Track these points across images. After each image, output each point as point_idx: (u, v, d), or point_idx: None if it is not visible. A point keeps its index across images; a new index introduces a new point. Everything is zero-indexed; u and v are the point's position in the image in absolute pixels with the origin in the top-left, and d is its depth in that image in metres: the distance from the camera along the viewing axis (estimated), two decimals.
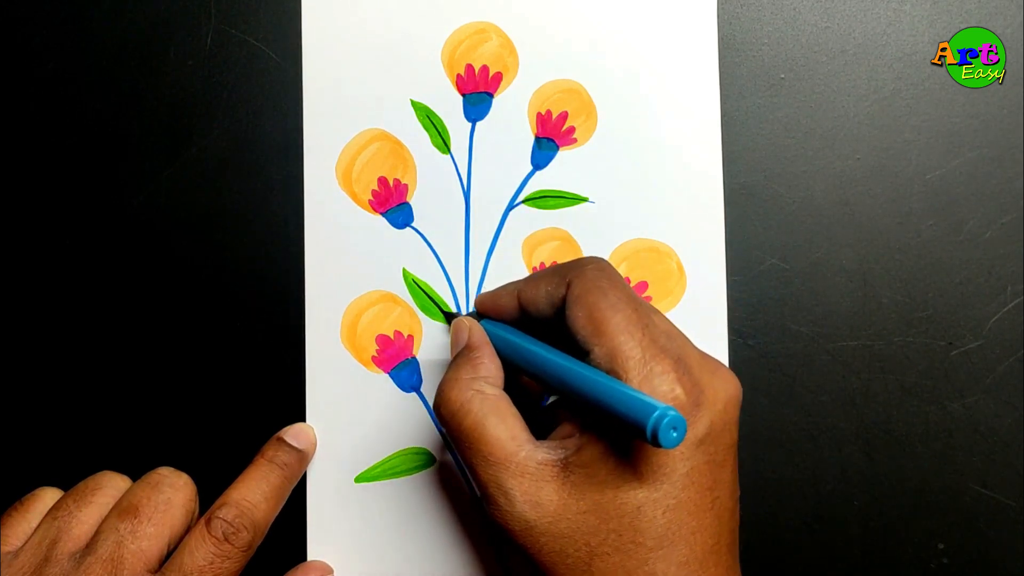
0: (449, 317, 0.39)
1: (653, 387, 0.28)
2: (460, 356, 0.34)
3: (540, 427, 0.32)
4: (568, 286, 0.31)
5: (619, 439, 0.29)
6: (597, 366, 0.29)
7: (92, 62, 0.40)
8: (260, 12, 0.40)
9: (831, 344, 0.39)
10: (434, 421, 0.39)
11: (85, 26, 0.40)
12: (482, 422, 0.30)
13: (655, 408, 0.26)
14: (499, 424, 0.30)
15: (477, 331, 0.34)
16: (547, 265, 0.39)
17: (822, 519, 0.39)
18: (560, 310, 0.32)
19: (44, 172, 0.40)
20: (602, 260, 0.33)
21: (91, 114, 0.40)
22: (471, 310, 0.39)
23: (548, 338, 0.33)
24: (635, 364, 0.29)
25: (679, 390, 0.29)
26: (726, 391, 0.30)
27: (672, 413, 0.26)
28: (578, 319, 0.30)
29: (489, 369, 0.33)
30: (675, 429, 0.26)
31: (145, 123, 0.40)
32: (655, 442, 0.26)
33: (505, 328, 0.34)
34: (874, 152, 0.39)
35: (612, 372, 0.29)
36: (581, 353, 0.30)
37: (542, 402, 0.38)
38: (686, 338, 0.32)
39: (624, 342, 0.29)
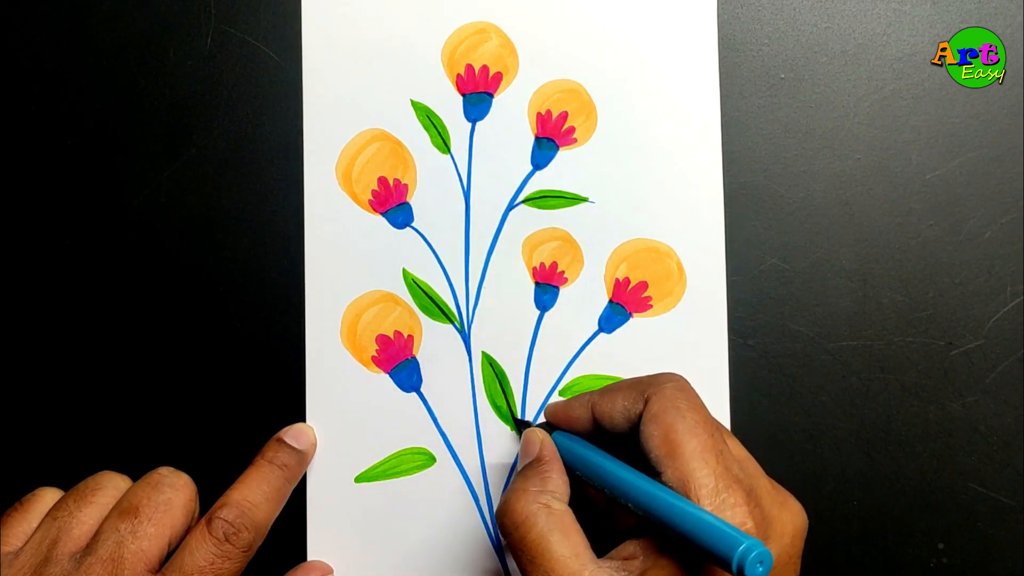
0: (520, 425, 0.38)
1: (724, 518, 0.28)
2: (529, 467, 0.33)
3: (597, 530, 0.32)
4: (646, 402, 0.31)
5: (689, 565, 0.29)
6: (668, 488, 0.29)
7: (92, 62, 0.40)
8: (260, 12, 0.40)
9: (831, 344, 0.39)
10: (435, 422, 0.39)
11: (85, 26, 0.40)
12: (547, 537, 0.30)
13: (742, 541, 0.26)
14: (563, 541, 0.30)
15: (549, 446, 0.34)
16: (547, 265, 0.39)
17: (822, 519, 0.39)
18: (636, 425, 0.31)
19: (44, 172, 0.40)
20: (681, 378, 0.32)
21: (91, 114, 0.40)
22: (540, 420, 0.38)
23: (616, 452, 0.33)
24: (708, 493, 0.29)
25: (750, 523, 0.28)
26: (793, 524, 0.30)
27: (760, 547, 0.26)
28: (653, 438, 0.30)
29: (557, 484, 0.32)
30: (761, 563, 0.26)
31: (145, 123, 0.40)
32: (739, 574, 0.26)
33: (575, 440, 0.34)
34: (874, 152, 0.39)
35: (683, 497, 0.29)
36: (651, 472, 0.30)
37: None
38: (757, 465, 0.32)
39: (698, 468, 0.29)
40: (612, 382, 0.39)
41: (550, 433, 0.35)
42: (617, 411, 0.32)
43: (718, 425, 0.31)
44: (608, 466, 0.32)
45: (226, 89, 0.40)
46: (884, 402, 0.39)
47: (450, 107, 0.40)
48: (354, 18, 0.40)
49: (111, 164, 0.40)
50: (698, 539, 0.27)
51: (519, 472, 0.34)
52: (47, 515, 0.35)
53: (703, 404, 0.31)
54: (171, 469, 0.36)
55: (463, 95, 0.40)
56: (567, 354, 0.39)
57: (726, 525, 0.27)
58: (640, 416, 0.31)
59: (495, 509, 0.33)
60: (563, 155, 0.40)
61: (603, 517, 0.34)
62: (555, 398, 0.39)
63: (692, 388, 0.32)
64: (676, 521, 0.28)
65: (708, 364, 0.39)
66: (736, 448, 0.32)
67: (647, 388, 0.32)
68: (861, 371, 0.39)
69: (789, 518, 0.30)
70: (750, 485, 0.30)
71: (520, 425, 0.38)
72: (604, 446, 0.33)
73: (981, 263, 0.39)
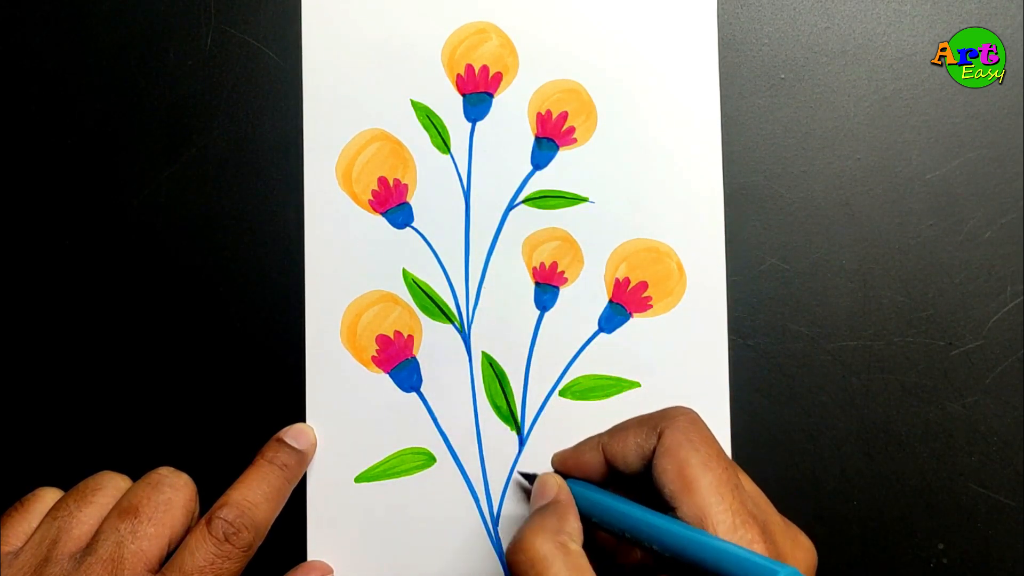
0: (527, 477, 0.38)
1: None
2: (546, 508, 0.33)
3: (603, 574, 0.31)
4: (659, 437, 0.31)
5: None
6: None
7: (92, 62, 0.40)
8: (260, 12, 0.40)
9: (831, 344, 0.39)
10: (435, 422, 0.39)
11: (85, 26, 0.40)
12: None
13: (779, 570, 0.26)
14: None
15: (565, 489, 0.33)
16: (547, 265, 0.39)
17: (822, 519, 0.39)
18: (649, 464, 0.31)
19: (44, 172, 0.40)
20: (691, 411, 0.32)
21: (91, 114, 0.40)
22: (548, 469, 0.38)
23: (626, 494, 0.32)
24: (726, 528, 0.28)
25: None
26: (805, 560, 0.30)
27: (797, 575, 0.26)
28: (667, 472, 0.30)
29: (574, 526, 0.32)
30: None
31: (145, 123, 0.40)
32: None
33: (587, 486, 0.34)
34: (874, 152, 0.39)
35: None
36: (665, 508, 0.30)
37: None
38: (768, 501, 0.32)
39: (715, 504, 0.29)
40: (613, 381, 0.39)
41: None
42: (630, 449, 0.32)
43: (729, 459, 0.31)
44: (624, 508, 0.31)
45: (226, 89, 0.40)
46: (884, 402, 0.39)
47: (450, 107, 0.40)
48: (354, 18, 0.40)
49: (111, 164, 0.40)
50: (729, 573, 0.27)
51: (536, 511, 0.33)
52: (47, 515, 0.35)
53: (715, 438, 0.31)
54: (171, 469, 0.36)
55: (463, 95, 0.40)
56: (567, 354, 0.39)
57: (759, 557, 0.27)
58: (653, 452, 0.31)
59: (506, 548, 0.32)
60: (563, 155, 0.40)
61: (609, 561, 0.34)
62: (559, 455, 0.38)
63: (703, 421, 0.32)
64: (704, 556, 0.28)
65: (708, 364, 0.39)
66: (748, 483, 0.32)
67: (659, 423, 0.32)
68: (861, 371, 0.39)
69: (802, 555, 0.30)
70: (764, 521, 0.29)
71: (527, 478, 0.38)
72: (614, 491, 0.33)
73: (981, 263, 0.39)
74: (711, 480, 0.29)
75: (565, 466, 0.35)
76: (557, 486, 0.34)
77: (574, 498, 0.33)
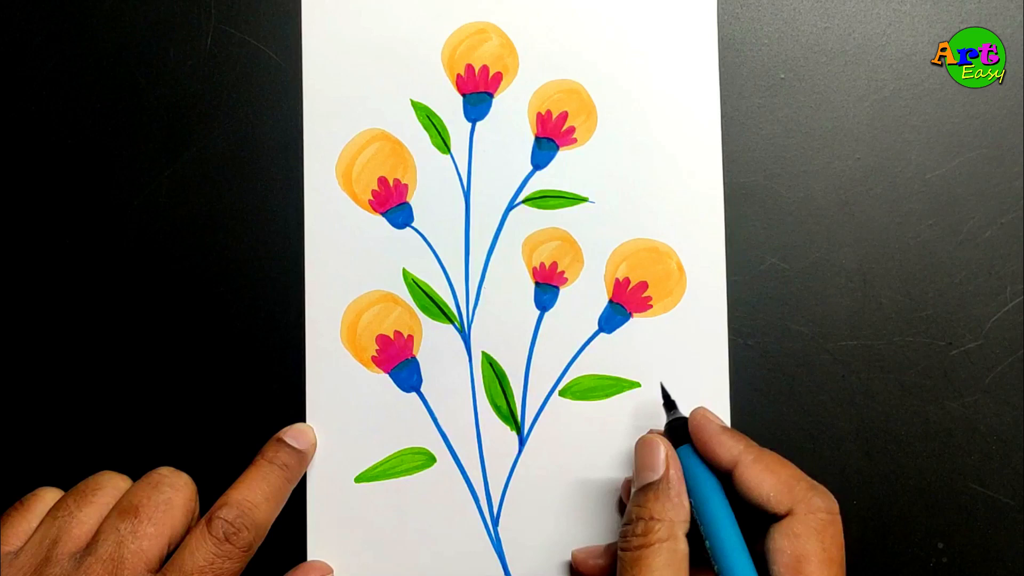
0: (666, 399, 0.36)
1: None
2: (652, 490, 0.31)
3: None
4: (791, 512, 0.30)
5: None
6: None
7: (92, 62, 0.40)
8: (260, 12, 0.40)
9: (831, 344, 0.39)
10: (435, 422, 0.39)
11: (85, 26, 0.40)
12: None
13: None
14: None
15: (676, 464, 0.32)
16: (547, 265, 0.39)
17: None
18: (768, 518, 0.31)
19: (44, 172, 0.40)
20: (834, 504, 0.31)
21: (91, 114, 0.40)
22: (669, 413, 0.35)
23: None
24: None
25: None
26: None
27: None
28: (783, 554, 0.30)
29: (679, 512, 0.31)
30: None
31: (145, 123, 0.40)
32: None
33: (704, 472, 0.32)
34: (874, 152, 0.39)
35: None
36: (761, 566, 0.30)
37: None
38: None
39: None
40: (613, 381, 0.39)
41: (679, 441, 0.33)
42: (756, 495, 0.31)
43: (843, 567, 0.31)
44: (726, 531, 0.30)
45: (226, 89, 0.40)
46: (884, 402, 0.39)
47: (450, 107, 0.40)
48: (354, 18, 0.40)
49: (111, 164, 0.40)
50: None
51: (647, 488, 0.32)
52: (47, 515, 0.35)
53: (843, 543, 0.31)
54: (171, 469, 0.36)
55: (463, 95, 0.40)
56: (567, 354, 0.39)
57: None
58: (777, 515, 0.30)
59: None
60: (563, 155, 0.40)
61: None
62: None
63: (840, 520, 0.31)
64: None
65: (708, 364, 0.39)
66: None
67: (799, 499, 0.31)
68: (861, 371, 0.39)
69: None
70: None
71: (667, 401, 0.35)
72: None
73: (981, 263, 0.39)
74: None
75: (698, 434, 0.33)
76: (665, 459, 0.32)
77: (688, 469, 0.32)
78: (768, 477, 0.31)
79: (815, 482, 0.32)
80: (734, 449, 0.32)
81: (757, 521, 0.31)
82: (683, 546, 0.30)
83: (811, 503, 0.31)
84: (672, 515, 0.31)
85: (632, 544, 0.31)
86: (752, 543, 0.31)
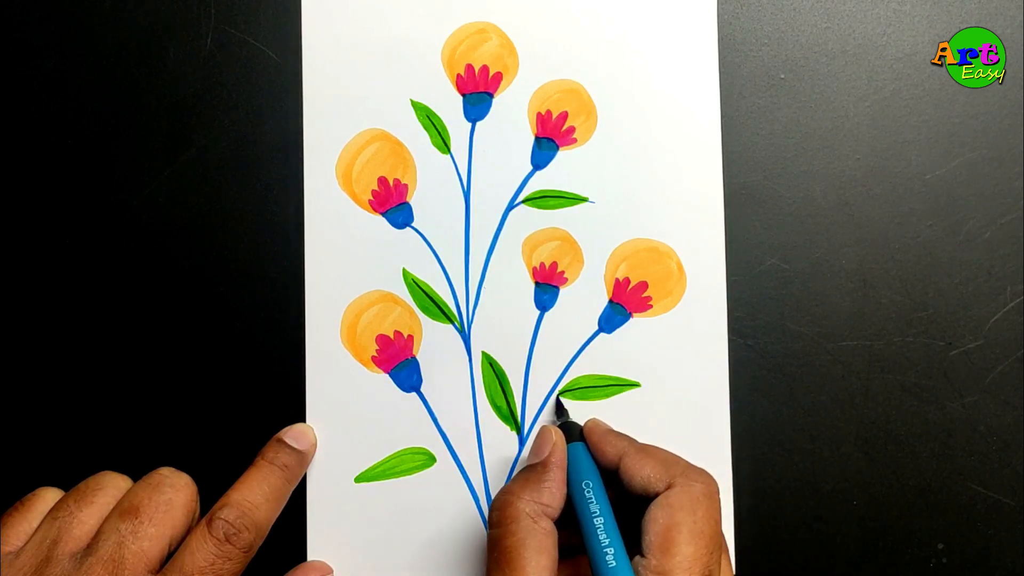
0: (558, 407, 0.38)
1: None
2: (532, 470, 0.33)
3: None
4: (668, 487, 0.31)
5: None
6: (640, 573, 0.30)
7: (92, 62, 0.40)
8: (260, 12, 0.40)
9: (831, 344, 0.39)
10: (435, 422, 0.39)
11: (85, 26, 0.40)
12: (520, 550, 0.30)
13: None
14: (535, 558, 0.30)
15: (559, 453, 0.34)
16: (547, 265, 0.39)
17: (822, 519, 0.39)
18: (648, 499, 0.32)
19: (44, 172, 0.40)
20: (712, 483, 0.32)
21: (91, 114, 0.40)
22: (560, 418, 0.38)
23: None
24: None
25: None
26: None
27: None
28: (656, 524, 0.30)
29: (553, 496, 0.32)
30: None
31: (145, 123, 0.40)
32: None
33: (589, 468, 0.34)
34: (874, 152, 0.39)
35: None
36: (634, 543, 0.31)
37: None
38: None
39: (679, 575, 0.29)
40: (613, 381, 0.39)
41: (572, 439, 0.35)
42: (638, 478, 0.32)
43: (721, 543, 0.31)
44: (598, 522, 0.31)
45: (226, 89, 0.40)
46: (884, 402, 0.39)
47: (450, 107, 0.40)
48: (354, 18, 0.40)
49: (111, 164, 0.40)
50: None
51: (522, 470, 0.34)
52: (48, 515, 0.35)
53: (719, 519, 0.31)
54: (172, 469, 0.36)
55: (463, 95, 0.40)
56: (567, 354, 0.39)
57: None
58: (657, 494, 0.31)
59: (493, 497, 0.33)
60: (563, 155, 0.40)
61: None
62: (556, 397, 0.38)
63: (718, 497, 0.32)
64: None
65: (708, 364, 0.39)
66: (727, 570, 0.32)
67: (677, 475, 0.32)
68: (861, 371, 0.39)
69: None
70: None
71: (559, 409, 0.38)
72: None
73: (981, 263, 0.39)
74: (689, 553, 0.29)
75: (590, 436, 0.35)
76: (552, 446, 0.34)
77: (569, 466, 0.34)
78: (648, 461, 0.33)
79: (696, 465, 0.33)
80: (619, 444, 0.34)
81: (642, 510, 0.32)
82: (548, 526, 0.31)
83: (688, 478, 0.32)
84: (544, 499, 0.32)
85: (499, 520, 0.32)
86: (635, 539, 0.32)
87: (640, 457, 0.33)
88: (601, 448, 0.34)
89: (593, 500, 0.32)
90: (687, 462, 0.33)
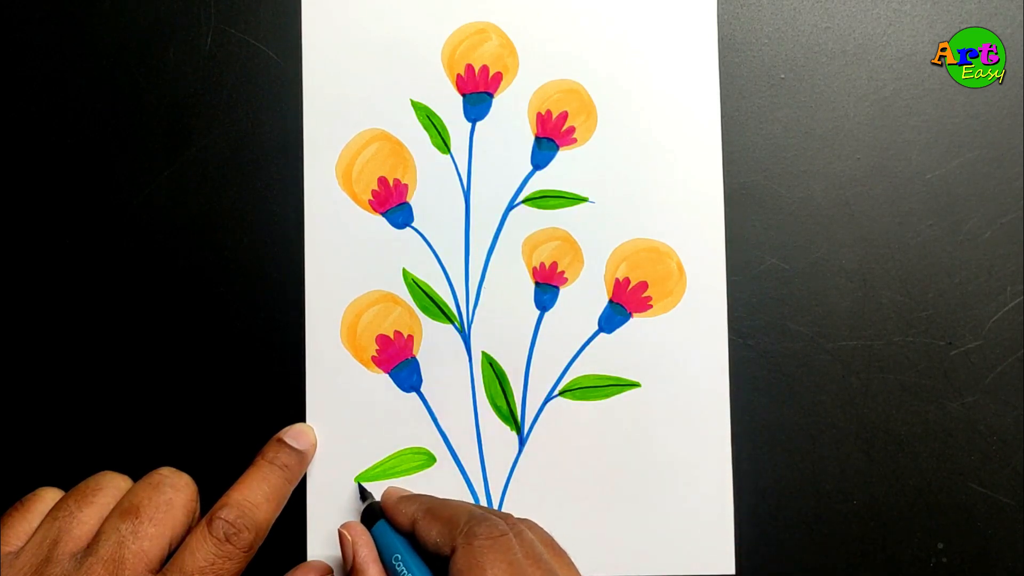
0: (362, 493, 0.38)
1: None
2: None
3: None
4: (453, 551, 0.31)
5: None
6: None
7: (92, 62, 0.40)
8: (260, 12, 0.40)
9: (831, 344, 0.39)
10: (435, 422, 0.39)
11: (85, 26, 0.40)
12: None
13: None
14: None
15: (361, 550, 0.34)
16: (547, 265, 0.39)
17: (822, 519, 0.39)
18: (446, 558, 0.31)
19: (44, 172, 0.40)
20: (496, 527, 0.31)
21: (91, 114, 0.40)
22: (366, 502, 0.37)
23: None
24: None
25: None
26: None
27: None
28: None
29: None
30: None
31: (145, 123, 0.40)
32: None
33: (397, 540, 0.34)
34: (874, 152, 0.39)
35: None
36: None
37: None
38: None
39: None
40: (613, 381, 0.39)
41: (375, 519, 0.35)
42: (430, 544, 0.32)
43: (533, 572, 0.30)
44: None
45: (226, 89, 0.40)
46: (884, 402, 0.39)
47: (450, 107, 0.40)
48: (354, 18, 0.40)
49: (111, 164, 0.40)
50: None
51: None
52: (48, 515, 0.35)
53: (515, 557, 0.30)
54: (172, 469, 0.36)
55: (463, 95, 0.40)
56: (567, 354, 0.39)
57: None
58: (450, 555, 0.31)
59: None
60: (563, 155, 0.40)
61: None
62: (395, 493, 0.37)
63: (508, 537, 0.30)
64: None
65: (708, 364, 0.39)
66: None
67: (458, 535, 0.31)
68: (861, 371, 0.39)
69: None
70: None
71: (363, 494, 0.38)
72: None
73: (981, 263, 0.39)
74: None
75: (387, 507, 0.35)
76: (351, 545, 0.34)
77: (380, 546, 0.34)
78: (434, 524, 0.32)
79: (484, 512, 0.32)
80: (409, 511, 0.34)
81: None
82: None
83: (469, 535, 0.31)
84: None
85: None
86: None
87: (426, 522, 0.33)
88: (395, 519, 0.35)
89: (405, 571, 0.33)
90: (471, 514, 0.32)
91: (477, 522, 0.31)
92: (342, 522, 0.38)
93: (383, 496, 0.36)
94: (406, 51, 0.40)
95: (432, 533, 0.32)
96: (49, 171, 0.40)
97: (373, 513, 0.36)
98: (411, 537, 0.34)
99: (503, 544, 0.30)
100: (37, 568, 0.33)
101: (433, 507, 0.34)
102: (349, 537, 0.35)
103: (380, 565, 0.34)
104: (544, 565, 0.30)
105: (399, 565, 0.33)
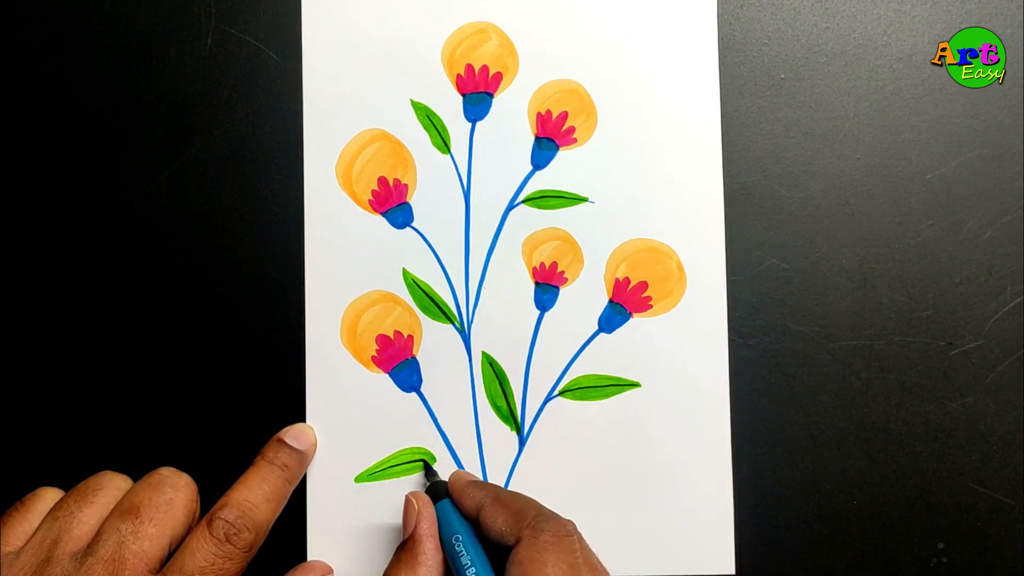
0: (427, 471, 0.38)
1: None
2: (404, 548, 0.34)
3: None
4: (518, 541, 0.31)
5: None
6: None
7: (92, 62, 0.40)
8: (260, 12, 0.40)
9: (831, 344, 0.39)
10: (435, 422, 0.39)
11: (85, 26, 0.40)
12: None
13: None
14: None
15: (424, 522, 0.34)
16: (547, 265, 0.39)
17: (822, 519, 0.39)
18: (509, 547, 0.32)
19: (44, 172, 0.40)
20: (562, 527, 0.32)
21: (91, 114, 0.40)
22: (431, 480, 0.37)
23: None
24: None
25: None
26: None
27: None
28: None
29: (429, 570, 0.33)
30: None
31: (145, 123, 0.40)
32: None
33: (460, 523, 0.34)
34: (874, 152, 0.39)
35: None
36: None
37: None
38: None
39: None
40: (613, 381, 0.39)
41: (440, 498, 0.35)
42: (493, 532, 0.33)
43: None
44: (470, 573, 0.32)
45: (226, 89, 0.40)
46: (884, 402, 0.39)
47: (450, 107, 0.40)
48: (354, 18, 0.40)
49: (111, 164, 0.40)
50: None
51: (398, 548, 0.34)
52: (48, 515, 0.35)
53: (575, 560, 0.30)
54: (172, 469, 0.36)
55: (463, 95, 0.40)
56: (567, 354, 0.39)
57: None
58: (512, 545, 0.31)
59: None
60: (563, 155, 0.40)
61: None
62: (460, 476, 0.37)
63: (570, 540, 0.31)
64: None
65: (708, 364, 0.39)
66: None
67: (524, 527, 0.32)
68: (861, 371, 0.39)
69: None
70: None
71: (428, 472, 0.38)
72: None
73: (981, 263, 0.39)
74: None
75: (454, 490, 0.36)
76: (416, 516, 0.34)
77: (441, 525, 0.34)
78: (501, 513, 0.33)
79: (550, 511, 0.33)
80: (477, 497, 0.34)
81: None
82: None
83: (535, 529, 0.31)
84: (420, 571, 0.33)
85: None
86: None
87: (494, 509, 0.33)
88: (461, 502, 0.35)
89: (464, 552, 0.33)
90: (539, 510, 0.33)
91: (545, 518, 0.32)
92: (342, 522, 0.38)
93: (451, 478, 0.36)
94: (406, 51, 0.40)
95: (498, 521, 0.33)
96: (49, 171, 0.40)
97: (436, 493, 0.36)
98: (474, 523, 0.34)
99: (567, 545, 0.31)
100: (37, 568, 0.33)
101: (501, 496, 0.34)
102: (416, 506, 0.34)
103: (438, 541, 0.34)
104: (600, 575, 0.31)
105: (458, 545, 0.33)
